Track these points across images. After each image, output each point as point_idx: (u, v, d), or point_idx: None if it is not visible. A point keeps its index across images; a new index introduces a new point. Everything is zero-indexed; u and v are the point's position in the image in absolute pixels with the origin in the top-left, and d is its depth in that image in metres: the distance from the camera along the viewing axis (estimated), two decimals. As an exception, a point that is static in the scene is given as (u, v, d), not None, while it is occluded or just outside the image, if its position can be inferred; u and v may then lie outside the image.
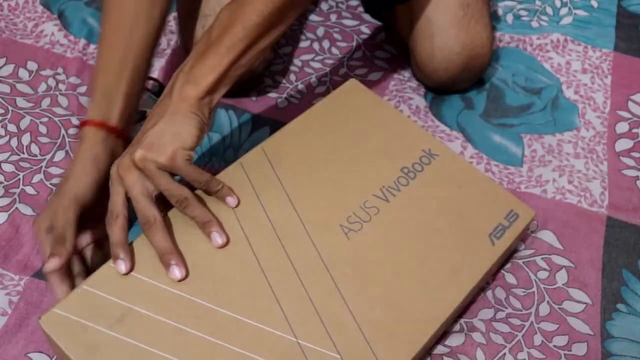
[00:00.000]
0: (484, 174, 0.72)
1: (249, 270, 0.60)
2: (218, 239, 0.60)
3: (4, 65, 0.89)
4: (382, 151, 0.70)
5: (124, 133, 0.67)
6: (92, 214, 0.63)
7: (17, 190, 0.75)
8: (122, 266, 0.58)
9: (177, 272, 0.58)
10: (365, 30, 1.00)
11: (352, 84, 0.75)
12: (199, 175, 0.61)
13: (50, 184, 0.77)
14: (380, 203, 0.66)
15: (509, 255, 0.73)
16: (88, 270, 0.63)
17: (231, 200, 0.63)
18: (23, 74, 0.89)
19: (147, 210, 0.58)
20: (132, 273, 0.58)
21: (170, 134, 0.59)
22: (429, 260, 0.64)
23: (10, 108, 0.84)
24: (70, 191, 0.62)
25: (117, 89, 0.66)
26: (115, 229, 0.59)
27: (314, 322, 0.58)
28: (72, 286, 0.60)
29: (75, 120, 0.83)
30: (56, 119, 0.84)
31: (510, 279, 0.72)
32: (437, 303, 0.62)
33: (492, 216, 0.68)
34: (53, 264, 0.58)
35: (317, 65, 0.94)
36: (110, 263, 0.59)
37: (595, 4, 1.06)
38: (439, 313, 0.62)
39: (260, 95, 0.90)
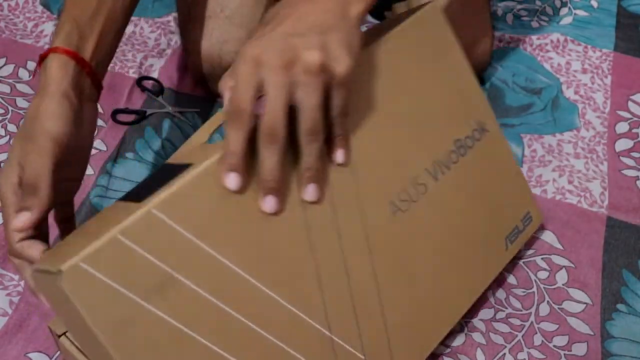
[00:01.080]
0: (517, 166, 0.69)
1: (298, 244, 0.51)
2: (272, 204, 0.48)
3: (4, 65, 0.89)
4: (442, 113, 0.62)
5: (96, 75, 0.56)
6: (65, 165, 0.51)
7: (17, 191, 0.75)
8: (234, 182, 0.46)
9: (272, 203, 0.48)
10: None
11: (432, 10, 0.63)
12: (347, 105, 0.49)
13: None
14: (430, 181, 0.60)
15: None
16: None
17: (341, 155, 0.51)
18: (23, 74, 0.89)
19: (280, 124, 0.45)
20: (176, 227, 0.45)
21: (346, 42, 0.46)
22: (453, 260, 0.61)
23: (10, 108, 0.84)
24: (44, 131, 0.49)
25: (91, 25, 0.56)
26: (240, 133, 0.45)
27: (349, 317, 0.53)
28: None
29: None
30: (56, 119, 0.83)
31: (510, 279, 0.72)
32: (449, 307, 0.61)
33: (512, 216, 0.67)
34: (22, 220, 0.47)
35: (317, 65, 0.94)
36: (151, 207, 0.44)
37: (595, 4, 1.06)
38: (449, 318, 0.61)
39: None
